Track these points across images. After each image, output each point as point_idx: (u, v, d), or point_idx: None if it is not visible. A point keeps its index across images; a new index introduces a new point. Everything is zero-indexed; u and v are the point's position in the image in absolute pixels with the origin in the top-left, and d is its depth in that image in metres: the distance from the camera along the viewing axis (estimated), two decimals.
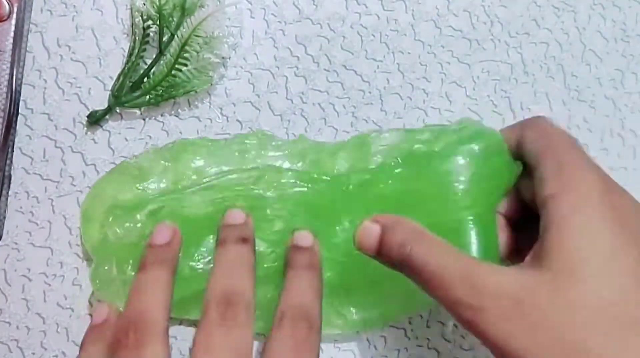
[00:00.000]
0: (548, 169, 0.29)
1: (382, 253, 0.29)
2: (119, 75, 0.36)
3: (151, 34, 0.36)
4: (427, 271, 0.27)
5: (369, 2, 0.39)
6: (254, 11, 0.38)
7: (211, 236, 0.33)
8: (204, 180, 0.34)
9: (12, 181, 0.36)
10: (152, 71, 0.36)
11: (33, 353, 0.35)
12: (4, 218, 0.36)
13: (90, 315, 0.36)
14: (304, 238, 0.33)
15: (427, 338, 0.37)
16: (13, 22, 0.35)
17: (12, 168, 0.36)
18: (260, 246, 0.33)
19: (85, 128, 0.37)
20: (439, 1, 0.40)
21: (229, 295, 0.28)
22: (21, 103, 0.36)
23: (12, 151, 0.36)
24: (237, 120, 0.38)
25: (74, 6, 0.37)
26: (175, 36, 0.36)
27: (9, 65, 0.35)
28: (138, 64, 0.36)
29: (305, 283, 0.31)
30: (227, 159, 0.35)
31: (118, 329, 0.28)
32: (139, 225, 0.33)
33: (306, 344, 0.28)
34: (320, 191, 0.34)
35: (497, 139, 0.34)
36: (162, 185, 0.34)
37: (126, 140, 0.37)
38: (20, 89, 0.36)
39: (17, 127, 0.36)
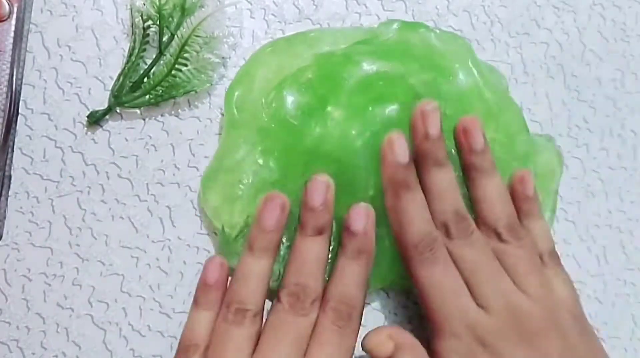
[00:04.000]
0: None
1: None
2: (119, 75, 0.36)
3: (151, 34, 0.36)
4: None
5: (368, 2, 0.39)
6: (254, 11, 0.38)
7: None
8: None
9: (12, 181, 0.36)
10: (152, 71, 0.36)
11: (33, 353, 0.35)
12: (4, 218, 0.36)
13: (91, 315, 0.36)
14: (357, 220, 0.33)
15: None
16: (13, 22, 0.35)
17: (12, 168, 0.36)
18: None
19: (85, 128, 0.37)
20: (439, 1, 0.40)
21: (298, 291, 0.32)
22: (21, 103, 0.36)
23: (12, 151, 0.36)
24: None
25: (74, 6, 0.37)
26: (175, 36, 0.36)
27: (9, 65, 0.35)
28: (138, 64, 0.36)
29: (351, 274, 0.32)
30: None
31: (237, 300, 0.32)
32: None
33: (347, 329, 0.32)
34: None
35: None
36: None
37: (126, 140, 0.37)
38: (21, 89, 0.36)
39: (17, 127, 0.36)
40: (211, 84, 0.37)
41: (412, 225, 0.32)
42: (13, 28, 0.35)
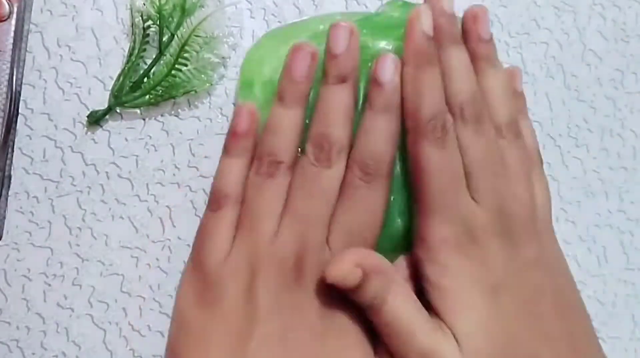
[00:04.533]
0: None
1: (354, 293, 0.30)
2: (119, 75, 0.36)
3: (151, 34, 0.36)
4: (393, 327, 0.30)
5: (368, 2, 0.39)
6: (254, 11, 0.38)
7: None
8: None
9: (12, 181, 0.36)
10: (152, 71, 0.36)
11: (33, 354, 0.35)
12: (4, 218, 0.36)
13: (91, 315, 0.36)
14: (385, 69, 0.32)
15: None
16: (13, 22, 0.35)
17: (12, 168, 0.36)
18: None
19: (85, 128, 0.37)
20: None
21: (322, 141, 0.31)
22: (21, 103, 0.36)
23: (12, 151, 0.36)
24: None
25: (74, 6, 0.37)
26: (175, 36, 0.36)
27: (9, 65, 0.35)
28: (138, 64, 0.36)
29: (379, 129, 0.31)
30: None
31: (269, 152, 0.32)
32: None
33: (374, 186, 0.31)
34: None
35: None
36: None
37: (126, 140, 0.37)
38: (20, 89, 0.36)
39: (17, 127, 0.36)
40: (211, 84, 0.37)
41: (429, 98, 0.31)
42: (13, 28, 0.35)
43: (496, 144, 0.32)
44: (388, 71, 0.32)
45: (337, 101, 0.32)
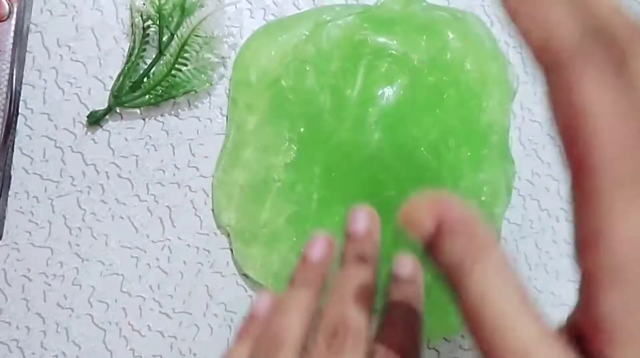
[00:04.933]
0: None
1: (431, 252, 0.23)
2: (119, 75, 0.36)
3: (151, 34, 0.36)
4: (478, 312, 0.20)
5: (368, 2, 0.39)
6: (254, 11, 0.38)
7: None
8: None
9: (12, 181, 0.36)
10: (152, 71, 0.36)
11: (33, 353, 0.35)
12: (4, 218, 0.36)
13: (91, 315, 0.36)
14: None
15: (428, 339, 0.37)
16: (13, 22, 0.35)
17: (12, 167, 0.36)
18: None
19: (85, 128, 0.37)
20: (439, 1, 0.40)
21: (337, 326, 0.26)
22: (21, 103, 0.36)
23: (12, 151, 0.36)
24: None
25: (74, 6, 0.37)
26: (175, 36, 0.36)
27: (9, 65, 0.35)
28: (138, 64, 0.36)
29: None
30: None
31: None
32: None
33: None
34: None
35: None
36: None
37: (126, 140, 0.37)
38: (20, 89, 0.36)
39: (17, 127, 0.36)
40: (211, 84, 0.37)
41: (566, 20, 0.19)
42: (13, 28, 0.35)
43: None
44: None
45: (356, 282, 0.27)
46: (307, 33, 0.36)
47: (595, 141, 0.19)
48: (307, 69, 0.35)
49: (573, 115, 0.19)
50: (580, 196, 0.20)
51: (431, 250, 0.22)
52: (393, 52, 0.35)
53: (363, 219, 0.29)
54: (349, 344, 0.26)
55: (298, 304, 0.28)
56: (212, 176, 0.37)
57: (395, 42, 0.35)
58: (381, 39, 0.35)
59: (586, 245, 0.19)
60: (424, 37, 0.36)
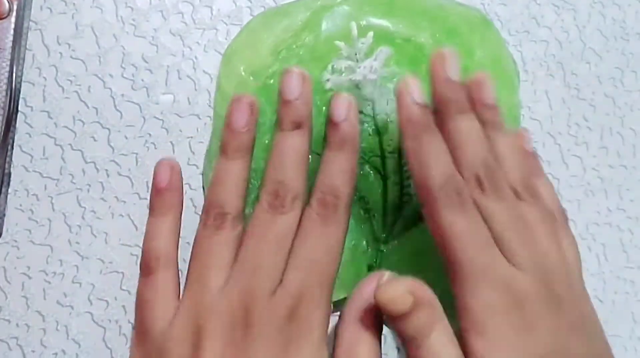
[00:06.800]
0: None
1: (395, 323, 0.28)
2: None
3: None
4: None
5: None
6: (253, 11, 0.38)
7: None
8: None
9: (11, 178, 0.36)
10: None
11: (33, 351, 0.35)
12: (4, 215, 0.36)
13: (91, 313, 0.36)
14: (339, 109, 0.31)
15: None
16: (13, 19, 0.35)
17: (11, 165, 0.36)
18: None
19: (85, 126, 0.37)
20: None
21: (277, 189, 0.30)
22: (21, 101, 0.36)
23: (12, 148, 0.36)
24: None
25: (74, 4, 0.37)
26: None
27: (8, 63, 0.35)
28: None
29: (336, 165, 0.31)
30: None
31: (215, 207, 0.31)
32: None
33: (332, 219, 0.30)
34: None
35: None
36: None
37: (126, 138, 0.37)
38: (20, 86, 0.36)
39: (17, 124, 0.36)
40: None
41: (436, 165, 0.30)
42: (13, 26, 0.35)
43: (518, 207, 0.31)
44: (342, 110, 0.31)
45: (291, 148, 0.31)
46: (301, 22, 0.36)
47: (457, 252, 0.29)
48: (300, 53, 0.36)
49: (439, 235, 0.30)
50: (452, 282, 0.30)
51: (400, 320, 0.28)
52: (398, 39, 0.36)
53: (296, 83, 0.32)
54: (288, 202, 0.30)
55: (234, 174, 0.31)
56: (202, 173, 0.37)
57: (401, 26, 0.35)
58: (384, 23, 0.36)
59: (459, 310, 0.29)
60: (427, 23, 0.37)
